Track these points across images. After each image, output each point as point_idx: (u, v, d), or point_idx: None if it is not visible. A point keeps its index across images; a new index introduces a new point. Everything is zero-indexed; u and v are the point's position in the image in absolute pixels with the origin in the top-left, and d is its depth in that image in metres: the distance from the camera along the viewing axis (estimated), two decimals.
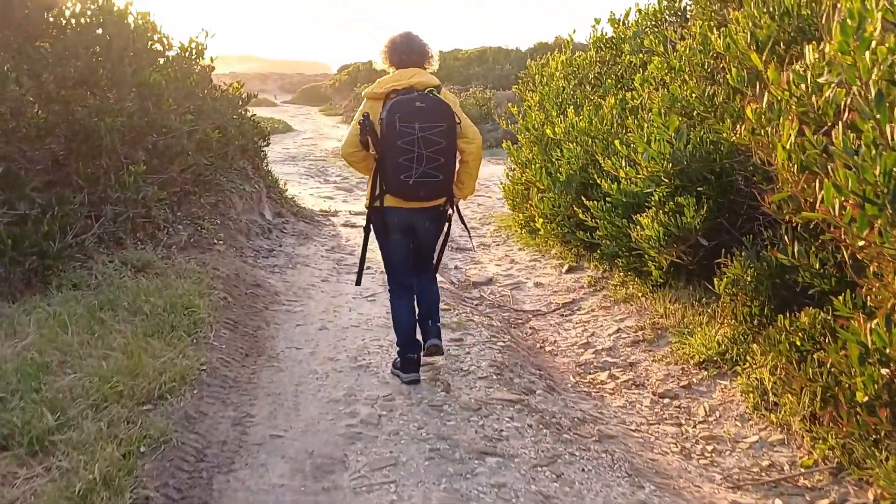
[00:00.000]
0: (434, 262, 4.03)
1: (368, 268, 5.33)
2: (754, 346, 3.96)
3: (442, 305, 5.19)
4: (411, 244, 3.82)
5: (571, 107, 6.41)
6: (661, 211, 4.94)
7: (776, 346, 3.73)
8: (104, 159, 4.85)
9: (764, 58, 3.39)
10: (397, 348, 3.92)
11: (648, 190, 5.07)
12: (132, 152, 5.17)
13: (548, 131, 6.33)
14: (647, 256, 5.24)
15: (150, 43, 5.68)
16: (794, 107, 3.03)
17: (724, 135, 4.32)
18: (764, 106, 3.25)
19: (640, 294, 5.63)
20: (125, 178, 4.64)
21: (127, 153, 5.05)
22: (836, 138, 2.52)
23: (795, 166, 2.93)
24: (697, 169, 4.76)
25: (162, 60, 5.83)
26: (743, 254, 4.31)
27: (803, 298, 3.98)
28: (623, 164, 5.32)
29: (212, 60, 6.84)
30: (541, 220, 6.46)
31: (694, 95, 4.41)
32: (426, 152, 3.44)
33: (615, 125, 5.83)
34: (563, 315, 5.76)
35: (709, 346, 4.45)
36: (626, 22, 7.54)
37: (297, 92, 57.23)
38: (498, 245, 8.35)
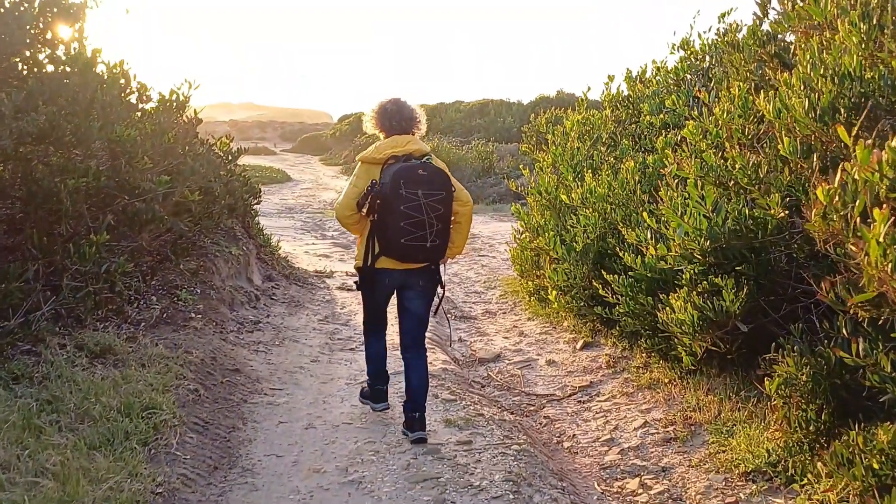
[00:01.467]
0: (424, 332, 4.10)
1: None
2: (819, 464, 3.33)
3: (446, 393, 4.58)
4: (400, 304, 3.94)
5: (589, 171, 5.90)
6: (693, 292, 4.37)
7: (847, 467, 3.12)
8: (64, 225, 4.29)
9: (834, 128, 2.86)
10: (367, 378, 4.17)
11: (679, 267, 4.50)
12: (100, 216, 4.61)
13: (563, 197, 5.81)
14: (676, 341, 4.65)
15: (123, 94, 5.17)
16: (883, 191, 2.48)
17: (772, 211, 3.77)
18: (836, 185, 2.71)
19: (666, 380, 5.02)
20: (85, 247, 4.07)
21: (94, 217, 4.49)
22: None
23: (890, 265, 2.37)
24: (736, 246, 4.21)
25: (139, 114, 5.32)
26: (795, 348, 3.72)
27: (870, 405, 3.39)
28: (649, 236, 4.77)
29: (195, 113, 6.35)
30: (554, 292, 5.89)
31: (737, 166, 3.88)
32: (426, 218, 3.58)
33: (638, 192, 5.30)
34: (580, 401, 5.14)
35: (756, 453, 3.83)
36: (644, 79, 7.11)
37: (297, 140, 57.30)
38: (505, 313, 7.75)
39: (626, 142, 6.71)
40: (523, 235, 7.84)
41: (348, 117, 51.94)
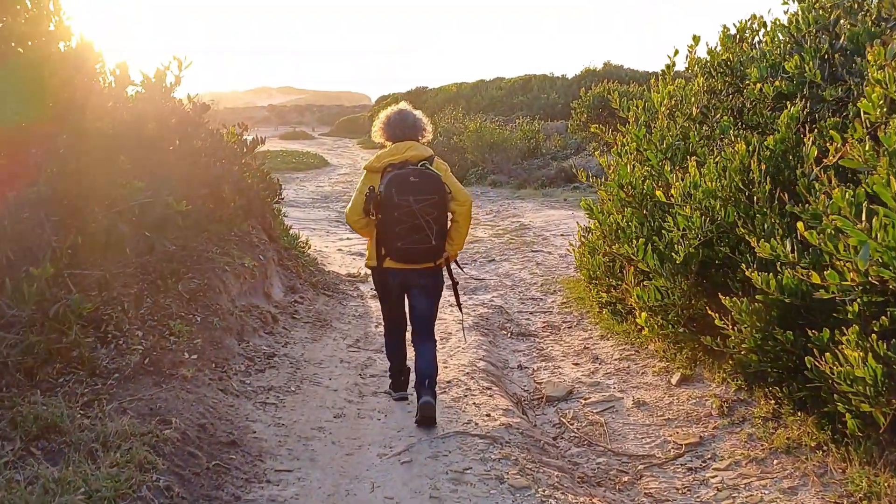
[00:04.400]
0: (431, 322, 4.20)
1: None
2: None
3: (514, 472, 3.37)
4: (408, 302, 4.15)
5: (692, 158, 4.56)
6: (870, 334, 3.05)
7: None
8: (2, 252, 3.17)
9: None
10: (389, 373, 4.41)
11: (848, 297, 3.19)
12: (58, 238, 3.48)
13: (659, 194, 4.49)
14: (838, 397, 3.34)
15: (97, 76, 4.02)
16: None
17: None
18: None
19: (813, 443, 3.71)
20: (23, 286, 2.94)
21: (42, 242, 3.36)
22: None
23: None
24: None
25: (112, 103, 4.16)
26: None
27: None
28: (791, 250, 3.46)
29: (189, 99, 5.16)
30: (644, 314, 4.60)
31: None
32: (418, 222, 3.79)
33: (766, 185, 3.98)
34: (690, 468, 3.86)
35: None
36: (751, 38, 5.71)
37: (335, 124, 56.35)
38: (570, 328, 6.48)
39: (726, 118, 5.34)
40: (592, 235, 6.52)
41: (385, 98, 50.75)
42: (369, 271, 4.26)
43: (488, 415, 4.11)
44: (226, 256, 5.64)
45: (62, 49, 4.04)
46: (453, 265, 4.27)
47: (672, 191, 4.34)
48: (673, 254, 4.43)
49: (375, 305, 6.96)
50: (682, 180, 4.39)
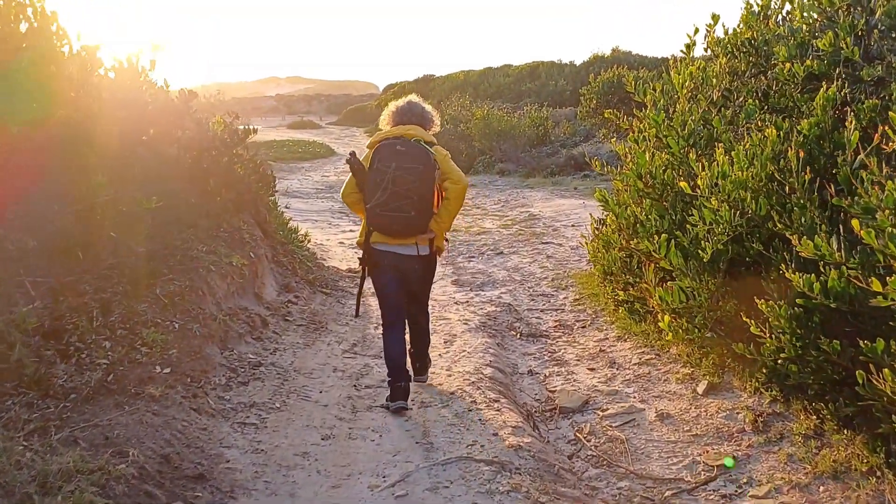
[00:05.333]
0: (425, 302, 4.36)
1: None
2: None
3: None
4: (403, 286, 4.09)
5: (720, 145, 4.08)
6: None
7: None
8: None
9: None
10: (388, 378, 4.04)
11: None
12: (20, 242, 3.08)
13: (683, 185, 4.02)
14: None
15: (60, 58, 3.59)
16: None
17: None
18: None
19: (861, 465, 3.27)
20: None
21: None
22: None
23: None
24: None
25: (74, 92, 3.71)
26: None
27: None
28: (837, 248, 3.01)
29: (167, 85, 4.72)
30: (667, 317, 4.16)
31: None
32: (397, 189, 3.77)
33: (806, 175, 3.52)
34: (724, 495, 3.42)
35: None
36: (775, 16, 5.22)
37: (342, 113, 55.84)
38: (584, 327, 6.03)
39: (751, 101, 4.87)
40: (607, 227, 6.06)
41: (393, 87, 50.17)
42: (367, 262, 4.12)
43: (495, 434, 3.68)
44: (212, 254, 5.22)
45: (22, 30, 3.62)
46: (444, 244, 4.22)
47: (698, 181, 3.87)
48: (699, 251, 3.97)
49: (375, 303, 6.52)
50: (709, 169, 3.92)
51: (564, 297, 6.96)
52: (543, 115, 20.01)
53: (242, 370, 4.25)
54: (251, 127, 6.26)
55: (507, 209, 12.58)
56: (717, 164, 3.85)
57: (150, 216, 3.64)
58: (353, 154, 3.95)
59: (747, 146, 3.93)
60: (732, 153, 3.95)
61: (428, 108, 4.22)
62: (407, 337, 4.24)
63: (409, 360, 4.26)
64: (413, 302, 4.21)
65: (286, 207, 12.98)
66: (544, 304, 6.80)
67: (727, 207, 3.89)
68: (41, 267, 3.38)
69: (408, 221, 3.82)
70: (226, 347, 4.44)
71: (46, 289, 3.56)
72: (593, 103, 19.89)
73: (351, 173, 3.94)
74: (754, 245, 3.99)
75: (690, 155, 4.08)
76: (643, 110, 5.34)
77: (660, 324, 4.28)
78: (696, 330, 4.22)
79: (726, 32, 5.49)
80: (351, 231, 11.10)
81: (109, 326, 3.87)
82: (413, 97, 4.26)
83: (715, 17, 5.78)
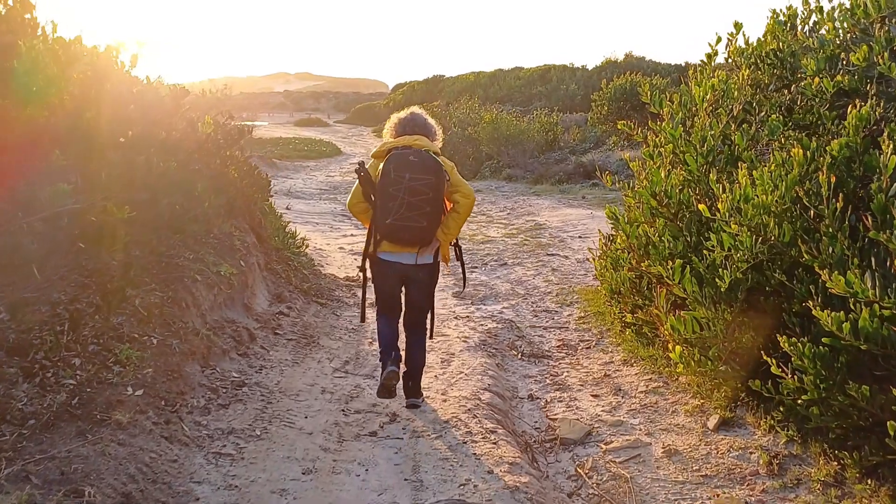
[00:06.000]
0: (429, 324, 4.26)
1: None
2: None
3: None
4: (403, 292, 4.18)
5: (743, 165, 3.80)
6: None
7: None
8: None
9: None
10: (379, 356, 4.16)
11: None
12: None
13: (702, 208, 3.74)
14: None
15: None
16: None
17: None
18: None
19: None
20: None
21: None
22: None
23: None
24: None
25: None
26: None
27: None
28: (872, 285, 2.74)
29: (153, 81, 4.46)
30: (679, 347, 3.88)
31: None
32: (412, 199, 3.78)
33: (839, 201, 3.26)
34: None
35: None
36: (804, 26, 4.95)
37: (351, 111, 55.68)
38: (589, 348, 5.76)
39: (776, 116, 4.59)
40: (616, 244, 5.79)
41: (402, 86, 49.94)
42: (368, 268, 4.15)
43: (491, 471, 3.41)
44: (199, 263, 4.97)
45: None
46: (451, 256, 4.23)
47: (719, 205, 3.59)
48: (717, 280, 3.69)
49: (371, 318, 6.27)
50: (730, 191, 3.64)
51: (569, 315, 6.68)
52: (553, 121, 19.72)
53: (224, 390, 3.99)
54: (247, 126, 5.99)
55: (512, 217, 12.31)
56: (740, 187, 3.56)
57: (124, 224, 3.38)
58: (361, 164, 3.95)
59: (772, 167, 3.65)
60: (755, 173, 3.68)
61: (431, 120, 4.24)
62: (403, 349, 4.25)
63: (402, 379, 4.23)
64: (411, 313, 4.19)
65: (287, 209, 12.75)
66: (548, 321, 6.53)
67: (748, 233, 3.61)
68: (4, 277, 3.13)
69: (419, 231, 3.85)
70: (208, 365, 4.18)
71: (15, 300, 3.31)
72: (605, 110, 19.59)
73: (357, 182, 3.94)
74: (776, 274, 3.72)
75: (711, 175, 3.79)
76: (658, 122, 5.07)
77: (670, 354, 4.01)
78: (710, 362, 3.94)
79: (748, 42, 5.22)
80: (352, 235, 10.85)
81: (81, 341, 3.62)
82: (416, 109, 4.30)
83: (738, 26, 5.50)
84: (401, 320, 4.28)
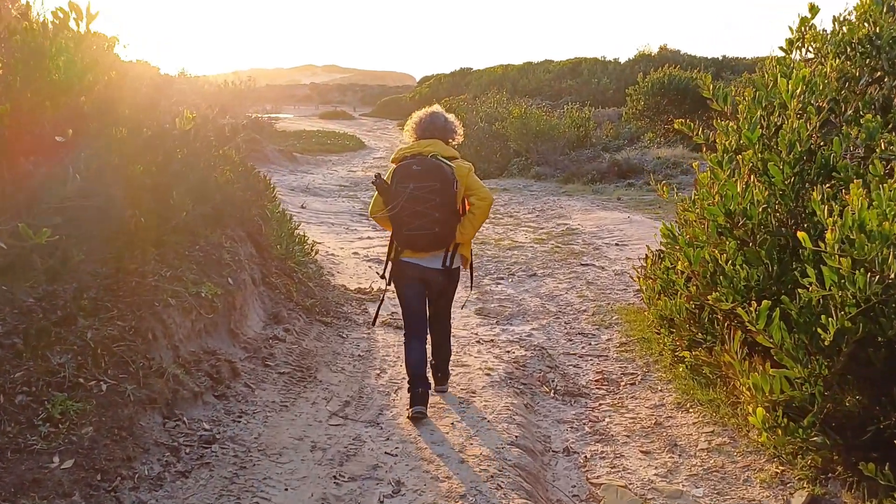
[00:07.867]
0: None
1: None
2: None
3: None
4: (427, 299, 4.21)
5: (857, 180, 2.93)
6: None
7: None
8: None
9: None
10: (407, 384, 4.13)
11: None
12: None
13: (802, 237, 2.88)
14: None
15: None
16: None
17: None
18: None
19: None
20: None
21: None
22: None
23: None
24: None
25: None
26: None
27: None
28: None
29: (126, 57, 3.71)
30: (762, 411, 3.04)
31: None
32: (418, 208, 3.88)
33: None
34: None
35: None
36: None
37: (376, 104, 54.97)
38: (634, 384, 4.91)
39: (870, 116, 3.71)
40: (664, 261, 4.93)
41: (429, 79, 49.04)
42: (382, 285, 4.39)
43: None
44: (177, 282, 4.22)
45: None
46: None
47: (828, 235, 2.72)
48: (821, 332, 2.83)
49: (383, 339, 5.49)
50: (838, 215, 2.78)
51: (608, 339, 5.83)
52: (585, 116, 18.75)
53: (188, 450, 3.22)
54: (240, 123, 5.23)
55: (542, 220, 11.44)
56: (854, 211, 2.70)
57: (76, 241, 2.62)
58: (378, 176, 4.04)
59: (893, 185, 2.79)
60: (873, 193, 2.81)
61: (451, 118, 4.24)
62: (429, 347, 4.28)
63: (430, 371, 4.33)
64: (435, 315, 4.29)
65: (302, 207, 12.02)
66: (584, 348, 5.69)
67: (862, 270, 2.75)
68: None
69: (433, 237, 3.95)
70: (172, 414, 3.42)
71: None
72: (641, 104, 18.59)
73: (376, 192, 4.01)
74: (889, 321, 2.85)
75: (815, 195, 2.91)
76: (722, 121, 4.20)
77: (751, 419, 3.15)
78: (801, 430, 3.09)
79: (838, 26, 4.33)
80: (369, 238, 10.08)
81: (6, 392, 2.88)
82: (436, 107, 4.31)
83: (814, 9, 4.61)
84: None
